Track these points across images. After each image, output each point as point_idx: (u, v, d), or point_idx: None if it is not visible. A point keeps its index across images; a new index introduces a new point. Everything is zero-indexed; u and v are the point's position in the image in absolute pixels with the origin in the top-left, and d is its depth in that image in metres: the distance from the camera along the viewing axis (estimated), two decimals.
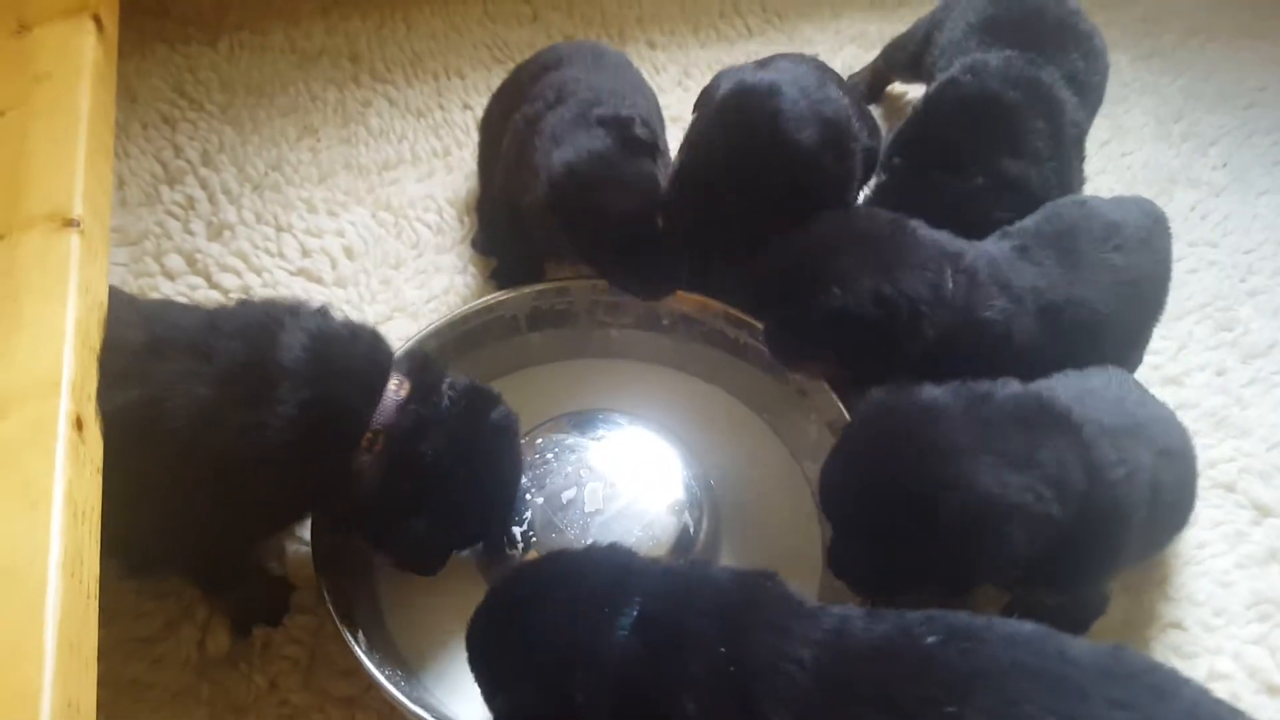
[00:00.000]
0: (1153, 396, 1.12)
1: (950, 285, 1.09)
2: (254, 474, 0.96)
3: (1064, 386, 1.02)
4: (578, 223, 1.21)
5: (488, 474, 1.05)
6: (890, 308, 1.06)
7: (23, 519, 0.81)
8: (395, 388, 1.02)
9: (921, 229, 1.13)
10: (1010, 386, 0.99)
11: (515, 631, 0.86)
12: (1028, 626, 0.80)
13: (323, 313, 1.05)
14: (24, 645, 0.75)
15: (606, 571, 0.87)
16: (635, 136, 1.23)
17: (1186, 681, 0.78)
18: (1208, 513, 1.24)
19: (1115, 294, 1.14)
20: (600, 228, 1.21)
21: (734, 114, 1.17)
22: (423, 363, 1.06)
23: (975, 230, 1.18)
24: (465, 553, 1.14)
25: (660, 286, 1.26)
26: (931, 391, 0.97)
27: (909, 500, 0.90)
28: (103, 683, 0.84)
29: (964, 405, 0.96)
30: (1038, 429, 0.93)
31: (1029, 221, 1.20)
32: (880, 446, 0.97)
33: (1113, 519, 0.95)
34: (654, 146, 1.26)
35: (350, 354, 1.02)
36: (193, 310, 1.10)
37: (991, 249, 1.16)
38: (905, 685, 0.76)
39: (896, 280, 1.06)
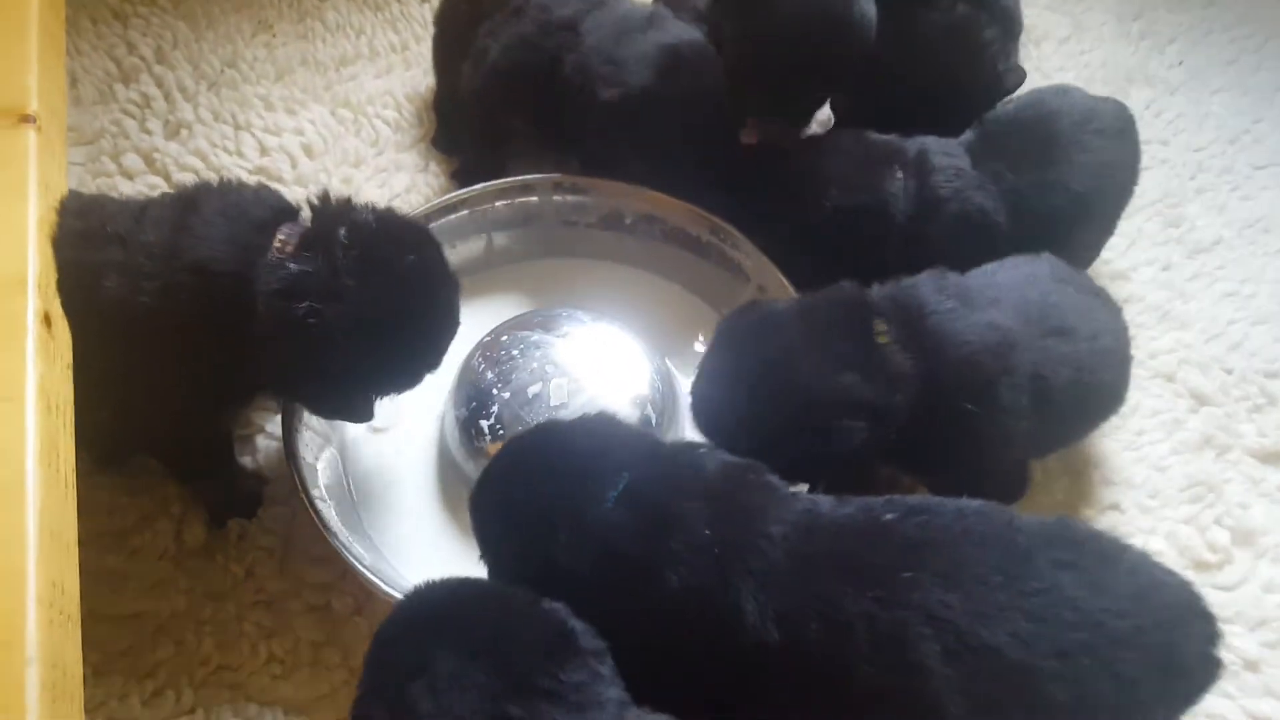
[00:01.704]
0: (1085, 285, 1.12)
1: (899, 177, 1.16)
2: (171, 352, 0.96)
3: (930, 282, 1.05)
4: (681, 111, 1.21)
5: (385, 330, 0.94)
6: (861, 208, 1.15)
7: None
8: (280, 244, 0.93)
9: (872, 135, 1.22)
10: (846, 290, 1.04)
11: (506, 494, 0.89)
12: (977, 502, 0.85)
13: (233, 186, 1.01)
14: (6, 531, 0.78)
15: (597, 441, 0.89)
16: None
17: (1128, 547, 0.83)
18: (1148, 402, 1.30)
19: (1092, 174, 1.18)
20: (706, 114, 1.22)
21: (808, 21, 1.16)
22: (318, 211, 0.96)
23: (968, 59, 1.24)
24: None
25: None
26: (772, 304, 1.05)
27: (758, 413, 0.96)
28: (81, 572, 0.87)
29: (798, 313, 1.02)
30: (861, 333, 0.99)
31: (1010, 107, 1.24)
32: (730, 365, 1.03)
33: (966, 396, 0.98)
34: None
35: (225, 217, 0.95)
36: (128, 202, 1.08)
37: (951, 141, 1.21)
38: (865, 555, 0.81)
39: (858, 184, 1.17)
